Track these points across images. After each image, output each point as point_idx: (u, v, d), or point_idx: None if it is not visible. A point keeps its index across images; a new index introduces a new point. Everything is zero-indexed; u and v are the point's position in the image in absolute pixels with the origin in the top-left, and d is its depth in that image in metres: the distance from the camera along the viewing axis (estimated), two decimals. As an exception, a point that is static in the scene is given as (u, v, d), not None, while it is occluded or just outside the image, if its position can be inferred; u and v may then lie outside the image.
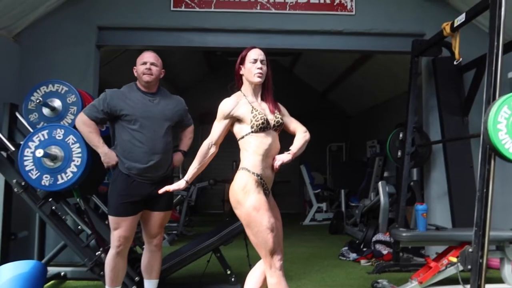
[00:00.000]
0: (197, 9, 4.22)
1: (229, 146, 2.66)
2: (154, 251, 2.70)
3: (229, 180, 2.17)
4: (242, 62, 2.16)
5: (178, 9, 4.21)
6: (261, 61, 2.13)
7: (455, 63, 3.24)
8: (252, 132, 2.06)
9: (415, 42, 3.86)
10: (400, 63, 5.96)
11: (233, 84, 2.25)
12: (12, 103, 3.32)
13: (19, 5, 3.72)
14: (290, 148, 2.17)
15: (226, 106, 2.10)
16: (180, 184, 2.18)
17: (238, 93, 2.18)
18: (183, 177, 2.21)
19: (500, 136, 2.28)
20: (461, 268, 2.66)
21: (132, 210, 2.51)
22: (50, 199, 2.85)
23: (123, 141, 2.55)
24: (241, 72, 2.18)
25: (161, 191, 2.22)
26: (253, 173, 2.02)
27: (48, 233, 3.45)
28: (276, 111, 2.17)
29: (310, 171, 7.90)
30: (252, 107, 2.10)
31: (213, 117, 2.17)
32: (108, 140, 2.66)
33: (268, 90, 2.20)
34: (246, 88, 2.18)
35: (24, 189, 2.83)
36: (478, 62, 3.62)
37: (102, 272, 2.81)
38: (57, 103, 3.03)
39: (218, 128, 2.13)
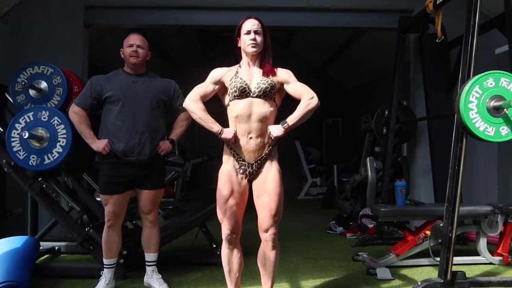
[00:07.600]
0: (185, -13, 4.21)
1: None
2: (150, 227, 2.79)
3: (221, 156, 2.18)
4: (238, 34, 2.12)
5: (166, -13, 4.20)
6: (255, 32, 2.06)
7: (437, 40, 3.25)
8: (230, 100, 2.06)
9: (402, 19, 3.84)
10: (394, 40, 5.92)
11: (230, 59, 2.20)
12: (0, 83, 3.32)
13: (5, -16, 3.73)
14: (287, 119, 2.06)
15: (216, 72, 2.12)
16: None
17: (235, 66, 2.15)
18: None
19: (471, 115, 2.33)
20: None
21: (118, 189, 2.61)
22: (40, 178, 2.97)
23: (109, 122, 2.63)
24: (238, 45, 2.13)
25: None
26: (227, 144, 2.10)
27: (41, 209, 3.57)
28: (268, 76, 2.07)
29: (306, 147, 7.97)
30: (235, 76, 2.06)
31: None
32: (99, 121, 2.71)
33: (266, 58, 2.12)
34: (243, 59, 2.14)
35: (13, 169, 2.94)
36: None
37: (91, 247, 2.96)
38: (43, 84, 3.05)
39: (202, 87, 2.12)
